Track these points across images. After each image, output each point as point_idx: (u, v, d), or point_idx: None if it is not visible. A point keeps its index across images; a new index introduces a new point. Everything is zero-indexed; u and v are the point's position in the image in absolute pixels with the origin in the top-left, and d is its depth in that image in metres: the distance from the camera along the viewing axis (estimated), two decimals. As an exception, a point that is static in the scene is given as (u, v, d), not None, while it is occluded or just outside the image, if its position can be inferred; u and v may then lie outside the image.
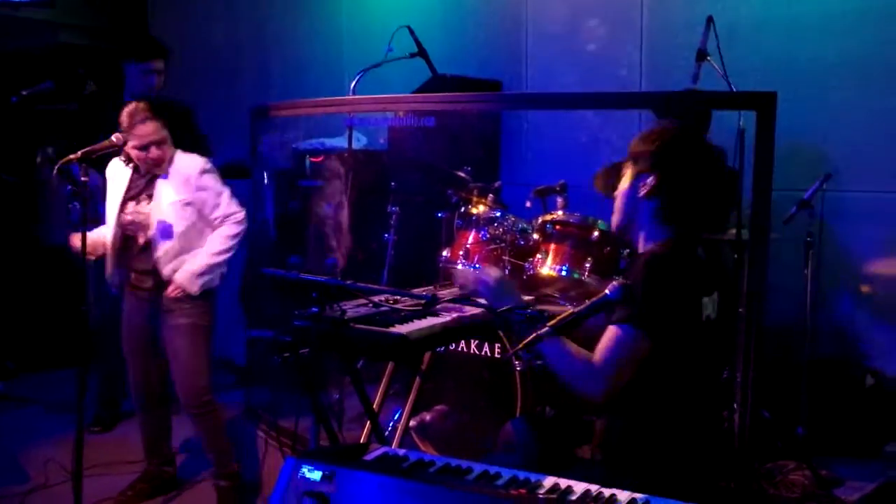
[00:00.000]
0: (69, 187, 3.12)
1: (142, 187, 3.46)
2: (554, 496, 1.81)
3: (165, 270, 3.39)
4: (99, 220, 3.69)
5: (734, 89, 3.50)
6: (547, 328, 2.05)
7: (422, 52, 4.17)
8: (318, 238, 4.84)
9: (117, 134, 3.34)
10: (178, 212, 3.39)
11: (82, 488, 3.11)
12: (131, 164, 3.47)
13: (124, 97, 4.43)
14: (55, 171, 3.13)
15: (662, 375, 2.16)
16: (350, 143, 4.03)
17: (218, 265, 3.45)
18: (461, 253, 3.79)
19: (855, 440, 3.76)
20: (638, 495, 1.78)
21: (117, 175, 3.51)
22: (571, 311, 2.07)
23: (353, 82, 4.04)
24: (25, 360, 5.68)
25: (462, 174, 4.07)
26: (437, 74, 4.31)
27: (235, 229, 3.48)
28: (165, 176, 3.42)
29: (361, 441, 3.08)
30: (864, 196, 4.04)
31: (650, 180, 2.23)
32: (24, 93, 4.57)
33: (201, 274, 3.40)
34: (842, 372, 3.89)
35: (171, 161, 3.44)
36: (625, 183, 2.32)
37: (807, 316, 3.65)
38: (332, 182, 4.75)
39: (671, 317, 2.09)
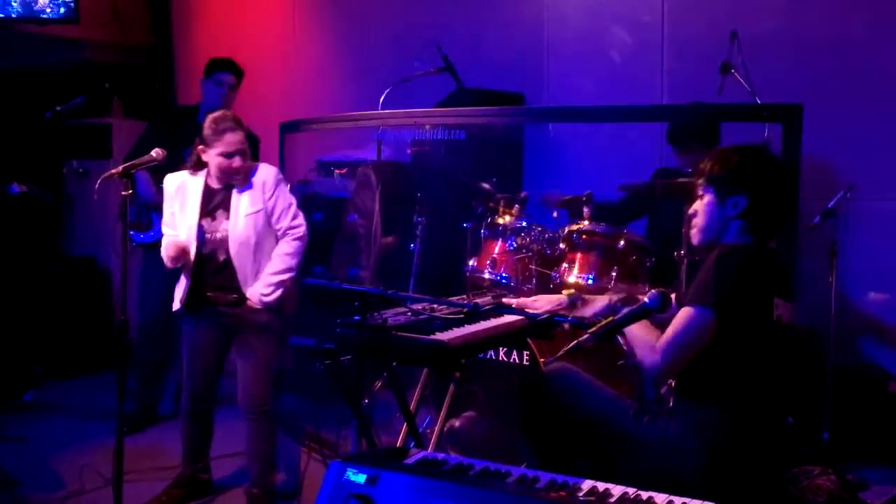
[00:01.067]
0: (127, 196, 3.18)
1: (218, 202, 3.45)
2: (593, 498, 1.86)
3: (246, 287, 3.43)
4: (149, 225, 3.75)
5: (758, 101, 3.57)
6: (587, 335, 2.12)
7: (449, 67, 4.25)
8: (343, 248, 4.92)
9: (157, 149, 3.39)
10: (254, 223, 3.41)
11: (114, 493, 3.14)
12: (201, 174, 3.47)
13: (199, 117, 4.51)
14: (98, 183, 3.20)
15: (732, 368, 2.28)
16: (379, 154, 4.11)
17: (280, 284, 3.44)
18: (488, 262, 3.86)
19: (878, 446, 3.79)
20: (676, 498, 1.83)
21: (186, 188, 3.48)
22: (611, 318, 2.13)
23: (382, 97, 4.13)
24: (51, 368, 5.78)
25: (487, 186, 4.14)
26: (463, 88, 4.38)
27: (295, 246, 3.48)
28: (242, 188, 3.44)
29: (398, 445, 3.14)
30: (888, 205, 4.09)
31: (742, 202, 2.36)
32: (58, 108, 4.68)
33: (266, 295, 3.42)
34: (865, 378, 3.93)
35: (252, 171, 3.48)
36: (709, 205, 2.44)
37: (831, 322, 3.70)
38: (358, 193, 4.83)
39: (742, 305, 2.22)
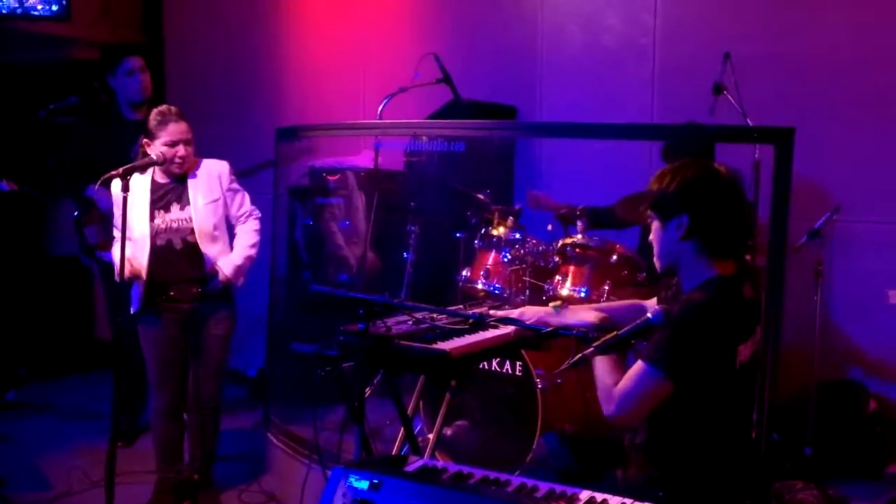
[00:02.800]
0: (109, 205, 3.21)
1: (168, 193, 3.59)
2: (591, 509, 1.92)
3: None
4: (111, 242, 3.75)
5: (749, 123, 3.64)
6: (592, 349, 2.16)
7: (447, 79, 4.30)
8: (336, 255, 4.95)
9: (157, 152, 3.44)
10: (213, 211, 3.60)
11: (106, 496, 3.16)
12: (148, 172, 3.58)
13: (122, 109, 4.54)
14: (98, 185, 3.20)
15: (693, 418, 2.24)
16: (376, 162, 4.14)
17: (252, 258, 3.68)
18: (482, 273, 3.91)
19: (858, 463, 3.87)
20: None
21: (133, 187, 3.44)
22: (615, 333, 2.18)
23: (381, 106, 4.17)
24: (34, 367, 5.74)
25: (482, 196, 4.19)
26: (460, 100, 4.43)
27: (258, 224, 3.74)
28: (194, 177, 3.61)
29: (393, 452, 3.17)
30: (873, 227, 4.17)
31: (684, 222, 2.26)
32: (51, 107, 4.67)
33: (241, 265, 3.64)
34: (847, 396, 4.01)
35: (198, 164, 3.64)
36: (656, 231, 2.35)
37: (815, 341, 3.78)
38: (351, 200, 4.86)
39: (698, 365, 2.15)
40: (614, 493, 1.97)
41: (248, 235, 3.70)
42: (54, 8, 6.17)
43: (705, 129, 3.58)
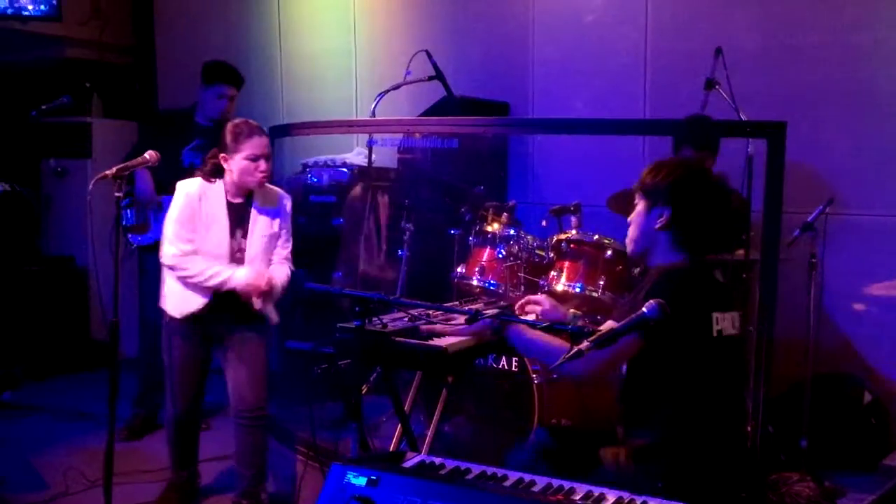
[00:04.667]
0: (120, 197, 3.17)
1: (237, 219, 3.42)
2: (588, 502, 1.92)
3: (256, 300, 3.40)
4: (147, 226, 3.73)
5: (742, 117, 3.65)
6: (587, 343, 2.16)
7: (439, 76, 4.30)
8: (330, 252, 4.95)
9: (150, 151, 3.39)
10: (267, 245, 3.44)
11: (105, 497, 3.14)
12: (218, 184, 3.42)
13: (197, 118, 4.53)
14: (92, 184, 3.18)
15: (674, 385, 2.33)
16: (370, 160, 4.15)
17: (279, 292, 3.45)
18: (477, 269, 3.91)
19: (853, 454, 3.89)
20: (668, 503, 1.87)
21: (208, 198, 3.40)
22: (611, 328, 2.19)
23: (374, 104, 4.17)
24: (30, 368, 5.72)
25: (477, 192, 4.20)
26: (453, 96, 4.44)
27: (289, 271, 3.51)
28: (257, 202, 3.43)
29: (391, 448, 3.18)
30: (866, 219, 4.19)
31: (666, 214, 2.43)
32: (43, 107, 4.64)
33: (278, 284, 3.44)
34: (841, 388, 4.04)
35: (263, 188, 3.46)
36: (639, 214, 2.51)
37: (809, 334, 3.80)
38: (345, 197, 4.86)
39: (671, 325, 2.17)
40: (609, 485, 1.98)
41: (282, 270, 3.48)
42: (44, 8, 6.16)
43: (696, 122, 3.58)
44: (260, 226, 3.42)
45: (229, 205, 3.41)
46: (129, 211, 4.29)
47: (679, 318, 2.20)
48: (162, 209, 3.76)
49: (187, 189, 3.39)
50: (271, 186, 3.53)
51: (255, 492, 3.55)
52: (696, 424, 2.35)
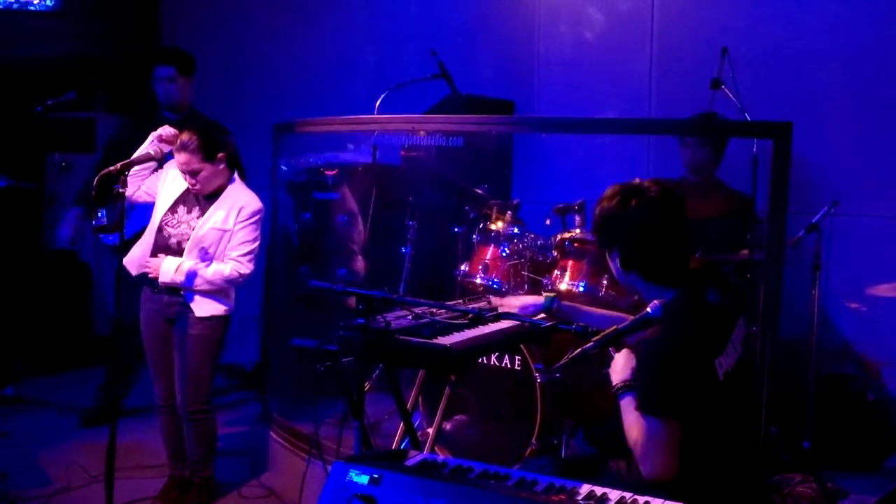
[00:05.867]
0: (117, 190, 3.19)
1: (192, 199, 3.57)
2: (591, 502, 1.91)
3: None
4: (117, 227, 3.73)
5: (748, 118, 3.65)
6: (591, 343, 2.16)
7: (445, 74, 4.29)
8: (333, 249, 4.95)
9: (154, 147, 3.43)
10: (216, 238, 3.50)
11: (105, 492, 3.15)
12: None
13: (163, 112, 4.56)
14: (96, 181, 3.19)
15: (688, 434, 2.17)
16: (374, 158, 4.14)
17: (197, 282, 3.47)
18: (480, 267, 3.90)
19: (857, 455, 3.88)
20: (671, 503, 1.87)
21: (178, 178, 3.59)
22: (615, 327, 2.18)
23: (378, 101, 4.17)
24: (30, 363, 5.73)
25: (480, 191, 4.19)
26: (458, 94, 4.43)
27: (233, 274, 3.50)
28: (220, 200, 3.54)
29: (393, 447, 3.17)
30: (871, 221, 4.18)
31: (615, 257, 2.29)
32: (49, 102, 4.66)
33: (176, 274, 3.46)
34: (845, 388, 4.03)
35: (224, 187, 3.57)
36: (611, 265, 2.36)
37: (813, 334, 3.79)
38: (348, 195, 4.86)
39: (685, 392, 2.10)
40: (615, 486, 1.98)
41: (212, 271, 3.48)
42: (49, 3, 6.16)
43: (704, 122, 3.58)
44: (214, 218, 3.50)
45: (188, 191, 3.55)
46: (101, 210, 4.30)
47: (686, 381, 2.10)
48: (134, 208, 3.80)
49: (168, 168, 3.63)
50: (245, 192, 3.60)
51: (203, 473, 3.75)
52: (706, 449, 2.23)
